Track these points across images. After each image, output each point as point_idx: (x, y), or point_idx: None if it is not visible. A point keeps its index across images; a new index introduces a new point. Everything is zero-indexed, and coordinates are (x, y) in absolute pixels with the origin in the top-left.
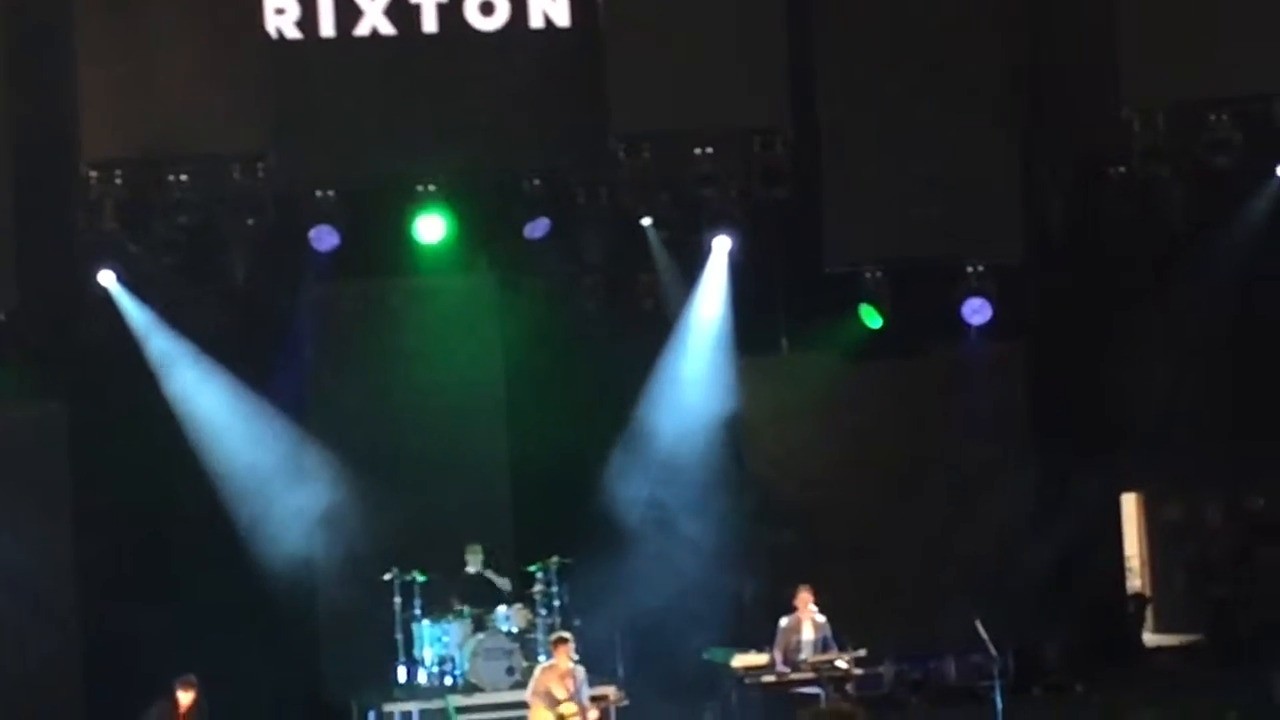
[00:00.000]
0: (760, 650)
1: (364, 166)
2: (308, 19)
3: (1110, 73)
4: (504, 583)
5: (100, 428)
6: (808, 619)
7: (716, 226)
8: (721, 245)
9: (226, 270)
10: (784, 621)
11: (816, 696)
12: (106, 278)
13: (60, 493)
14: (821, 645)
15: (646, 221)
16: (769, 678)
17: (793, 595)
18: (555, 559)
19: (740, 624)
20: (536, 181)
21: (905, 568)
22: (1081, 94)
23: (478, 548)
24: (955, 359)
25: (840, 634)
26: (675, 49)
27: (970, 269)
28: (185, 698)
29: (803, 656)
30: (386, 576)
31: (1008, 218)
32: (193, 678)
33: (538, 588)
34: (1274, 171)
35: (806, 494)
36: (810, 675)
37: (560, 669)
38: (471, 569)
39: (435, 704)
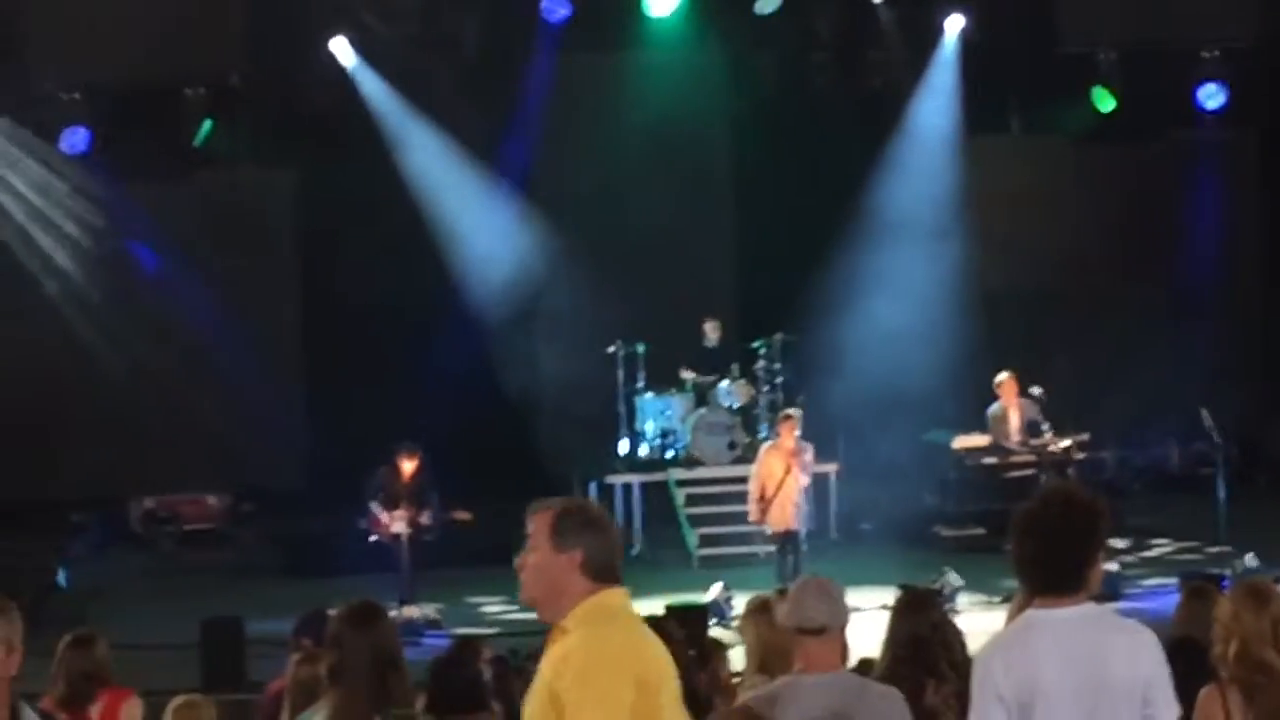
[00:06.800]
0: (980, 434)
1: None
2: None
3: None
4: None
5: (329, 195)
6: (1013, 405)
7: (949, 5)
8: (954, 25)
9: (458, 40)
10: (991, 410)
11: (1036, 478)
12: (339, 46)
13: (287, 257)
14: (1031, 428)
15: None
16: (990, 459)
17: (996, 384)
18: (779, 335)
19: (959, 408)
20: None
21: (1129, 355)
22: None
23: (716, 322)
24: (1188, 144)
25: (1063, 419)
26: None
27: (1205, 53)
28: (409, 466)
29: (1014, 441)
30: (610, 349)
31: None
32: (416, 446)
33: (760, 364)
34: None
35: (1032, 277)
36: (1031, 458)
37: (785, 447)
38: (709, 343)
39: (656, 476)
